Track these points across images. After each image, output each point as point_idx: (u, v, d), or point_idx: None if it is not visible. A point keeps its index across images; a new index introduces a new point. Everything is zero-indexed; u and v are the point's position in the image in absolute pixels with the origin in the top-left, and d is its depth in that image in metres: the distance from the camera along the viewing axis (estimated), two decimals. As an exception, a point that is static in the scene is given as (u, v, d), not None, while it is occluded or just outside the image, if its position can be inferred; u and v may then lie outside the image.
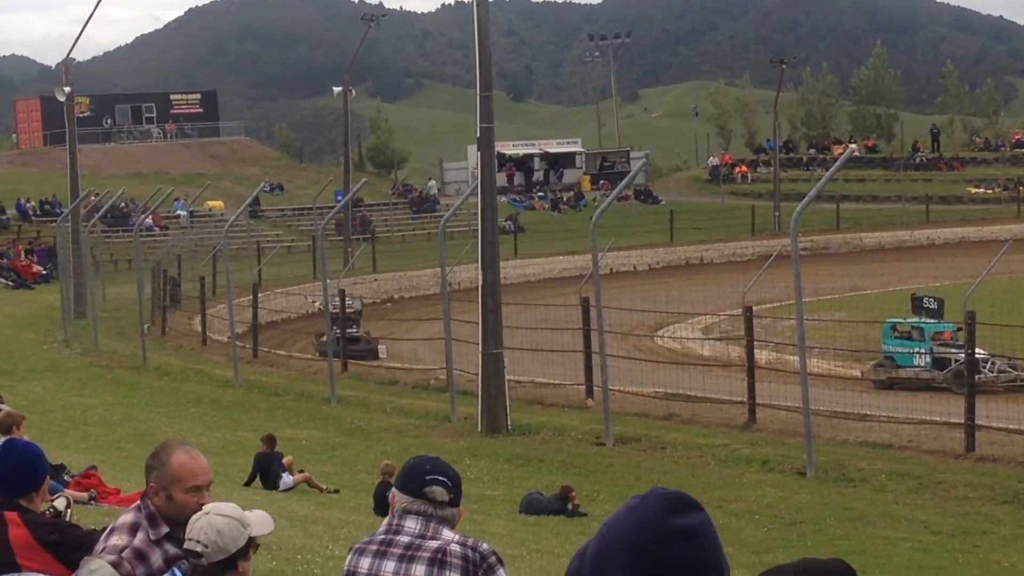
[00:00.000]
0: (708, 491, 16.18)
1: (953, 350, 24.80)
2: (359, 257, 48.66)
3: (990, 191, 70.46)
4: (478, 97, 21.19)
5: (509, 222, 57.45)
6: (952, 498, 15.56)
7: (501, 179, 59.05)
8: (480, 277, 21.02)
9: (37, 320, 36.91)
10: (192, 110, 77.30)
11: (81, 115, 57.49)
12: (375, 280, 47.63)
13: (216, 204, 59.61)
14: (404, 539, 4.40)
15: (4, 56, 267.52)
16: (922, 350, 25.90)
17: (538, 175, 74.79)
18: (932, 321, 26.30)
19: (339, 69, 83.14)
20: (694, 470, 17.61)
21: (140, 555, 4.53)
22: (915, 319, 26.66)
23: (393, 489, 4.55)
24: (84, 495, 11.57)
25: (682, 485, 15.82)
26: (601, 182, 71.63)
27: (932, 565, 12.83)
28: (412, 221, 64.11)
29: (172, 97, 79.37)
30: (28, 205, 54.68)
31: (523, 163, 74.90)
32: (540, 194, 71.20)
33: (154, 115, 75.30)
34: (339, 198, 53.62)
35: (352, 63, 63.01)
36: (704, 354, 30.46)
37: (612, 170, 74.13)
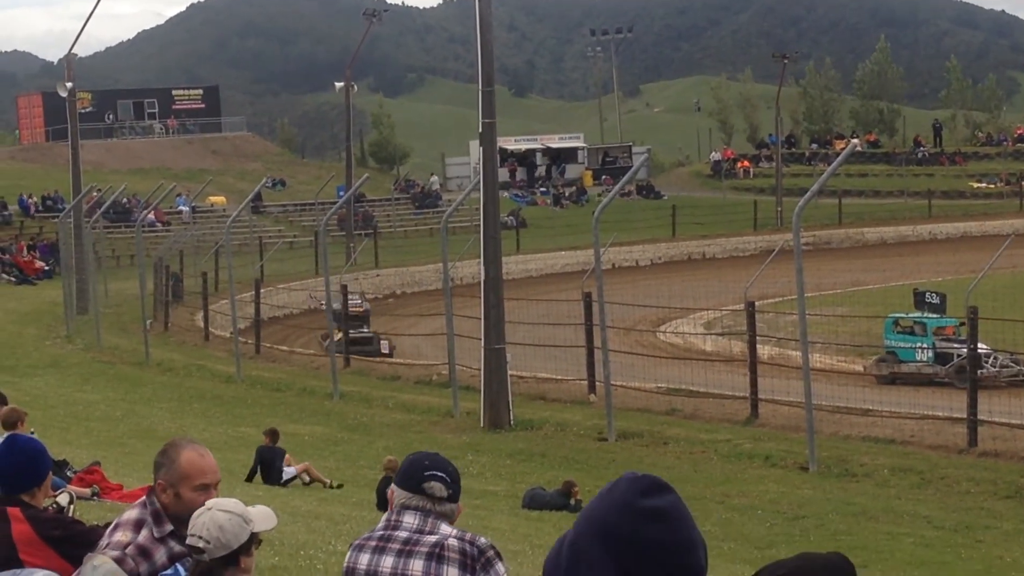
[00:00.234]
0: (710, 486, 16.19)
1: (955, 345, 24.82)
2: (361, 253, 48.66)
3: (992, 186, 70.43)
4: (480, 92, 21.18)
5: (511, 217, 57.41)
6: (954, 493, 15.56)
7: (503, 174, 58.97)
8: (482, 272, 20.99)
9: (39, 316, 36.89)
10: (194, 105, 77.21)
11: (83, 111, 57.47)
12: (377, 276, 47.67)
13: (218, 200, 59.51)
14: (402, 534, 4.41)
15: (6, 52, 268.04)
16: (924, 345, 25.90)
17: (540, 170, 74.70)
18: (934, 316, 26.30)
19: (341, 64, 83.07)
20: (696, 465, 17.61)
21: (144, 552, 4.53)
22: (917, 314, 26.65)
23: (392, 485, 4.55)
24: (87, 491, 11.59)
25: (684, 480, 15.88)
26: (603, 177, 71.49)
27: (934, 560, 12.83)
28: (414, 216, 64.08)
29: (174, 92, 79.20)
30: (30, 201, 54.67)
31: (525, 158, 74.80)
32: (542, 189, 71.15)
33: (156, 111, 75.23)
34: (341, 194, 53.49)
35: (354, 58, 63.02)
36: (706, 349, 30.48)
37: (614, 165, 74.02)
